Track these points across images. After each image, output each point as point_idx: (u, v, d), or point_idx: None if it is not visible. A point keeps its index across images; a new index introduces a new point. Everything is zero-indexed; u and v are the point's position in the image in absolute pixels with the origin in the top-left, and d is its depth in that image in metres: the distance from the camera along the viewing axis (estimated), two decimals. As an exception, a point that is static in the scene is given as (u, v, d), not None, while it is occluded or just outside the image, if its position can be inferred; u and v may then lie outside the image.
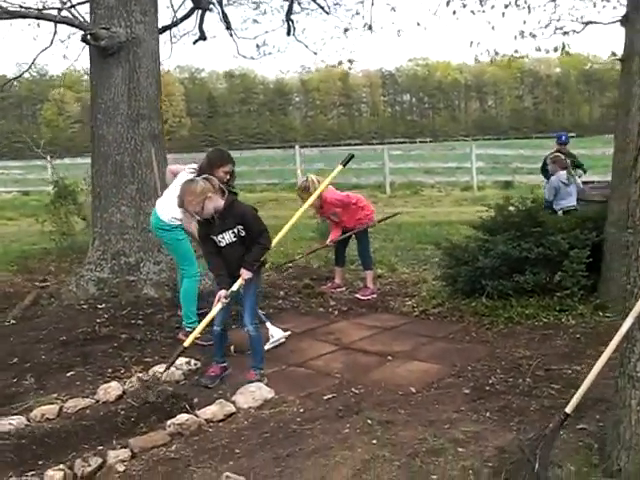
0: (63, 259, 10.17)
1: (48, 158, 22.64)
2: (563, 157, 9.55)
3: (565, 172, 9.21)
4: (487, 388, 4.68)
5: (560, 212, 8.71)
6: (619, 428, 3.29)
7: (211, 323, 5.08)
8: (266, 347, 5.67)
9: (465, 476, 3.42)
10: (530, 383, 4.69)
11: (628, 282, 3.31)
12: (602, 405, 4.04)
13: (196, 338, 5.44)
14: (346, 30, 6.68)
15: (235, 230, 4.89)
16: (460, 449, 3.71)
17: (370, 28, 5.02)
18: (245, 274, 4.91)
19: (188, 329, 6.08)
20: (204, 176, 5.02)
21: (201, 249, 5.31)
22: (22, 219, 17.81)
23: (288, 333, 6.11)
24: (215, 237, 4.93)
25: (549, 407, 4.20)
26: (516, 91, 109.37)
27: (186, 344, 5.03)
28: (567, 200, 9.07)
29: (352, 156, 6.21)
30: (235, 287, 4.91)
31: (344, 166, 6.24)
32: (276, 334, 5.99)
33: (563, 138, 10.50)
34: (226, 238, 4.91)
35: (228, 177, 6.12)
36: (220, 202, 4.86)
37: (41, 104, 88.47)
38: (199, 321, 6.07)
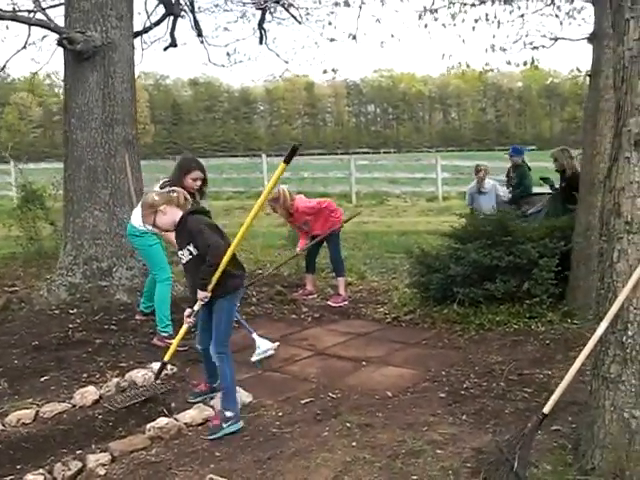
0: (30, 264, 10.05)
1: (12, 163, 22.37)
2: (484, 167, 10.70)
3: (481, 182, 10.13)
4: (462, 392, 4.78)
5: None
6: (593, 428, 3.41)
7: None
8: (253, 359, 5.63)
9: (445, 476, 3.50)
10: (504, 387, 4.80)
11: (602, 287, 3.43)
12: (574, 407, 4.18)
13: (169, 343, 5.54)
14: (332, 40, 6.78)
15: (190, 247, 4.53)
16: (439, 450, 3.80)
17: (354, 38, 5.13)
18: (199, 294, 4.49)
19: (163, 334, 6.10)
20: (169, 189, 4.76)
21: None
22: (-15, 224, 17.53)
23: (277, 344, 5.91)
24: (178, 253, 4.68)
25: (523, 410, 4.32)
26: (479, 104, 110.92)
27: (166, 358, 4.99)
28: (484, 206, 9.83)
29: (295, 149, 5.75)
30: (196, 307, 4.60)
31: (287, 163, 5.96)
32: (263, 345, 5.79)
33: (512, 151, 10.93)
34: (185, 255, 4.58)
35: (199, 184, 6.12)
36: (177, 218, 4.56)
37: (2, 108, 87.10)
38: (173, 326, 6.12)
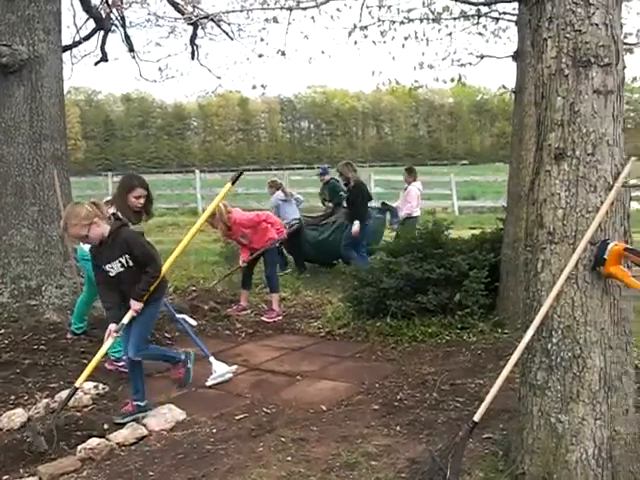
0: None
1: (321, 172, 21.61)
2: (276, 180, 11.66)
3: (281, 192, 10.93)
4: (396, 404, 4.84)
5: (287, 225, 9.95)
6: (522, 434, 3.50)
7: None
8: (209, 383, 5.51)
9: (379, 487, 3.54)
10: (436, 397, 4.88)
11: (528, 297, 3.54)
12: (504, 415, 4.28)
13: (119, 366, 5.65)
14: (260, 55, 6.82)
15: (122, 259, 4.57)
16: (373, 462, 3.84)
17: (283, 54, 5.18)
18: (134, 305, 4.60)
19: (112, 357, 5.88)
20: (91, 200, 4.71)
21: (95, 279, 4.91)
22: None
23: (234, 367, 5.80)
24: (105, 266, 4.62)
25: (456, 419, 4.41)
26: (412, 119, 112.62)
27: (77, 384, 4.73)
28: (290, 214, 10.73)
29: (241, 173, 6.10)
30: (126, 320, 4.61)
31: (233, 184, 6.15)
32: (219, 369, 5.66)
33: (321, 171, 12.15)
34: (115, 268, 4.59)
35: (142, 202, 6.01)
36: (106, 229, 4.57)
37: None
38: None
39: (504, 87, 8.26)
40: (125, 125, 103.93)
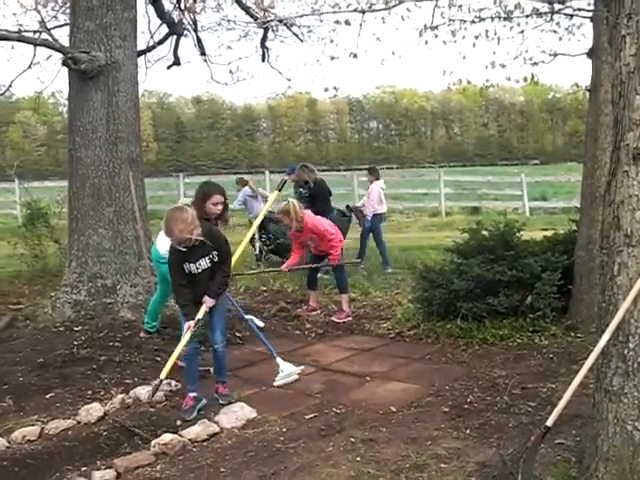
0: (35, 282, 10.10)
1: (16, 181, 22.48)
2: (242, 178, 12.75)
3: (248, 188, 11.95)
4: (466, 406, 4.79)
5: (252, 218, 11.20)
6: (597, 441, 3.42)
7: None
8: (276, 383, 5.58)
9: (449, 490, 3.51)
10: (507, 401, 4.81)
11: (604, 300, 3.45)
12: (577, 421, 4.19)
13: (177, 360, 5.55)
14: (333, 58, 6.83)
15: (211, 256, 4.97)
16: (442, 465, 3.81)
17: (355, 56, 5.19)
18: (209, 302, 5.00)
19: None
20: (185, 203, 5.12)
21: (172, 279, 5.17)
22: (-11, 242, 17.61)
23: (301, 368, 5.85)
24: (192, 264, 4.93)
25: (527, 423, 4.33)
26: (481, 119, 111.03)
27: (162, 376, 4.98)
28: (256, 208, 11.59)
29: (285, 181, 6.42)
30: (200, 315, 4.97)
31: (279, 191, 6.39)
32: (286, 369, 5.73)
33: (288, 170, 12.22)
34: (202, 264, 4.95)
35: (220, 208, 6.02)
36: (199, 230, 4.89)
37: (7, 127, 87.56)
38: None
39: (577, 85, 8.07)
40: (196, 127, 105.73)
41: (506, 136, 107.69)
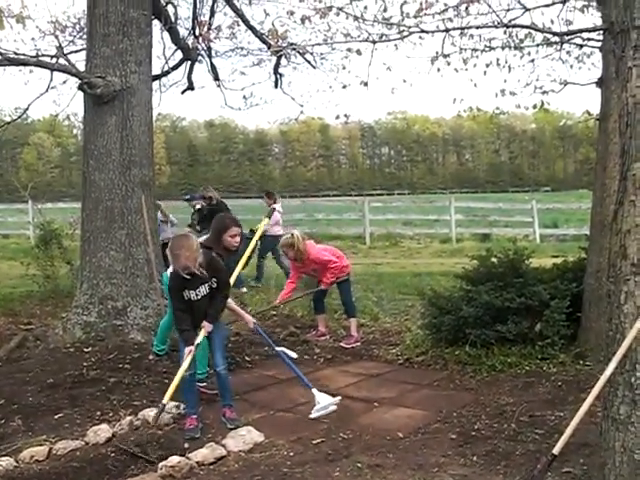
0: (47, 302, 10.15)
1: (30, 202, 22.67)
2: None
3: (160, 213, 11.77)
4: (473, 433, 4.78)
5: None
6: (604, 470, 3.42)
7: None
8: (312, 415, 5.36)
9: (455, 517, 3.51)
10: (515, 428, 4.80)
11: (610, 329, 3.47)
12: (585, 449, 4.17)
13: (201, 386, 5.75)
14: (344, 86, 6.91)
15: (210, 283, 5.11)
16: (448, 492, 3.81)
17: (366, 85, 5.25)
18: (208, 327, 5.12)
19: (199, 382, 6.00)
20: (188, 232, 5.22)
21: (173, 305, 5.33)
22: (2, 262, 17.74)
23: (338, 399, 5.58)
24: (192, 291, 5.06)
25: (534, 451, 4.32)
26: (493, 145, 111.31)
27: (165, 400, 4.97)
28: (165, 233, 11.54)
29: (273, 210, 6.68)
30: (199, 339, 5.11)
31: (269, 218, 6.51)
32: (323, 400, 5.50)
33: (188, 196, 13.81)
34: (202, 291, 5.09)
35: (238, 240, 5.96)
36: (202, 257, 5.05)
37: (21, 148, 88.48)
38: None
39: (588, 113, 8.11)
40: (208, 151, 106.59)
41: (517, 163, 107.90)
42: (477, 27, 4.83)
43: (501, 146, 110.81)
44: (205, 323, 5.11)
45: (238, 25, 11.03)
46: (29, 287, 11.08)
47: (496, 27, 4.19)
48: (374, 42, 4.09)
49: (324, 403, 5.49)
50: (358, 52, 4.68)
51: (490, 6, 4.42)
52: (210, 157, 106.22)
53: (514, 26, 4.55)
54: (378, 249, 20.76)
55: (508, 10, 4.56)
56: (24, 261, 11.17)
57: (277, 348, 6.41)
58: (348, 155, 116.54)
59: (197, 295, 5.07)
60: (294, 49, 7.64)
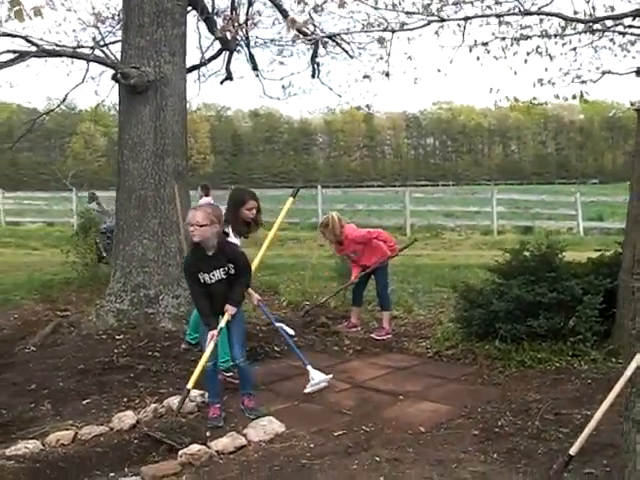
0: (84, 290, 10.31)
1: (74, 190, 23.11)
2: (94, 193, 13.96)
3: (95, 204, 12.99)
4: (496, 430, 4.71)
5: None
6: (624, 472, 3.33)
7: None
8: (306, 390, 5.69)
9: (469, 515, 3.46)
10: (539, 426, 4.70)
11: (634, 327, 3.38)
12: (610, 450, 4.07)
13: (227, 376, 5.85)
14: (365, 77, 6.82)
15: (226, 268, 5.07)
16: (466, 489, 3.76)
17: (387, 75, 5.18)
18: (231, 310, 5.11)
19: (221, 367, 6.03)
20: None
21: (190, 289, 5.37)
22: (46, 249, 18.13)
23: (330, 376, 5.96)
24: (206, 274, 5.06)
25: (557, 450, 4.22)
26: (539, 136, 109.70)
27: (189, 385, 5.07)
28: (103, 223, 11.99)
29: (299, 188, 6.99)
30: (222, 323, 5.10)
31: (294, 197, 6.57)
32: (317, 377, 5.84)
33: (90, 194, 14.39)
34: (216, 275, 5.07)
35: (254, 212, 6.27)
36: (215, 241, 5.03)
37: (70, 137, 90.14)
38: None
39: (631, 104, 7.90)
40: (252, 140, 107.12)
41: (564, 154, 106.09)
42: (497, 15, 4.72)
43: (548, 137, 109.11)
44: (228, 306, 5.11)
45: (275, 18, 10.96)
46: (68, 274, 11.28)
47: (514, 15, 4.09)
48: (393, 31, 4.03)
49: (317, 379, 5.78)
50: (380, 41, 4.62)
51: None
52: (254, 147, 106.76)
53: (532, 13, 4.44)
54: (419, 240, 20.53)
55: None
56: (64, 249, 11.36)
57: (276, 323, 6.65)
58: (393, 145, 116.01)
59: (211, 279, 5.06)
60: (330, 37, 7.56)
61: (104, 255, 11.91)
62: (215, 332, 5.03)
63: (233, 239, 5.85)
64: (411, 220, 22.80)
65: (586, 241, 18.06)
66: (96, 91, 12.15)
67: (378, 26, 5.64)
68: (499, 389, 5.70)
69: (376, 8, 4.31)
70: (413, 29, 4.03)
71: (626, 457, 3.35)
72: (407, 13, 4.24)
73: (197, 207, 5.24)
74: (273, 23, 11.25)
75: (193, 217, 4.98)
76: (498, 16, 4.75)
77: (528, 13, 3.93)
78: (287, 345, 6.38)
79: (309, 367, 5.89)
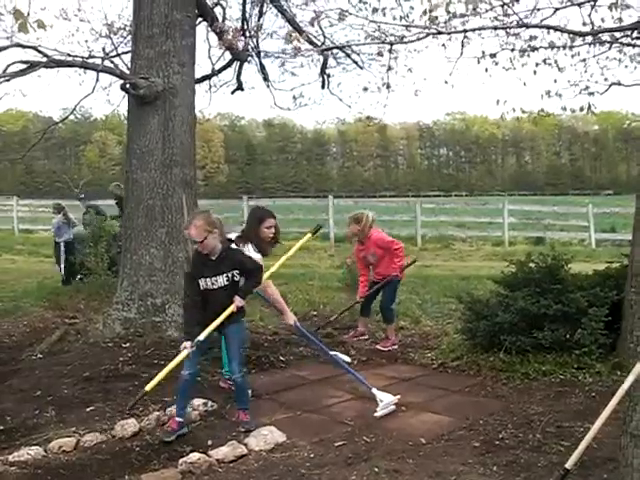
0: (93, 297, 10.38)
1: (82, 199, 23.22)
2: (60, 204, 13.72)
3: (62, 215, 13.07)
4: (497, 442, 4.70)
5: (62, 243, 12.89)
6: (621, 486, 3.32)
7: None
8: (377, 414, 5.46)
9: (465, 527, 3.45)
10: (540, 439, 4.69)
11: (632, 341, 3.37)
12: (610, 464, 4.06)
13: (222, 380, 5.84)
14: (365, 89, 6.82)
15: (229, 274, 5.07)
16: (463, 501, 3.75)
17: (388, 87, 5.20)
18: (238, 301, 5.08)
19: (226, 376, 6.07)
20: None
21: (184, 294, 5.36)
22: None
23: (398, 397, 5.71)
24: (208, 279, 5.05)
25: (557, 463, 4.19)
26: (553, 147, 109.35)
27: (147, 388, 5.08)
28: (67, 235, 12.99)
29: (320, 227, 6.85)
30: (227, 313, 5.06)
31: (313, 235, 6.67)
32: (385, 398, 5.63)
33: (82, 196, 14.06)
34: (219, 281, 5.07)
35: (274, 231, 6.24)
36: (218, 245, 5.06)
37: (84, 145, 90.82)
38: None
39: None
40: (266, 150, 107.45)
41: (578, 165, 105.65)
42: (494, 28, 4.72)
43: (562, 148, 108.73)
44: (236, 297, 5.09)
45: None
46: (78, 282, 11.34)
47: (511, 28, 4.09)
48: (391, 44, 4.05)
49: (386, 401, 5.60)
50: (379, 54, 4.64)
51: (510, 6, 4.31)
52: (268, 156, 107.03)
53: (530, 26, 4.44)
54: (429, 251, 20.58)
55: (537, 10, 4.45)
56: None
57: (330, 352, 6.47)
58: (406, 156, 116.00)
59: (213, 284, 5.06)
60: (339, 48, 7.58)
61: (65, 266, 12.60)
62: (188, 344, 4.95)
63: (253, 254, 5.82)
64: (422, 231, 22.78)
65: (598, 253, 17.99)
66: (109, 100, 12.22)
67: (378, 39, 5.67)
68: (502, 401, 5.68)
69: (372, 21, 4.32)
70: (410, 42, 4.06)
71: (624, 471, 3.34)
72: (406, 26, 4.27)
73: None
74: (271, 35, 11.28)
75: (190, 236, 5.04)
76: (495, 29, 4.76)
77: (524, 25, 3.93)
78: (348, 373, 6.21)
79: (374, 390, 5.76)
